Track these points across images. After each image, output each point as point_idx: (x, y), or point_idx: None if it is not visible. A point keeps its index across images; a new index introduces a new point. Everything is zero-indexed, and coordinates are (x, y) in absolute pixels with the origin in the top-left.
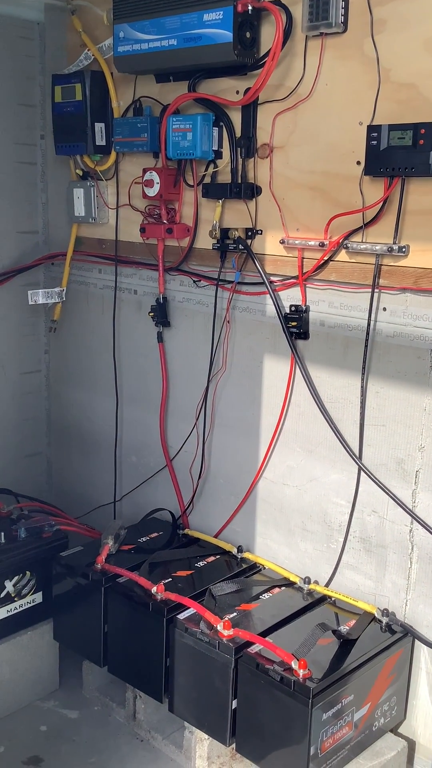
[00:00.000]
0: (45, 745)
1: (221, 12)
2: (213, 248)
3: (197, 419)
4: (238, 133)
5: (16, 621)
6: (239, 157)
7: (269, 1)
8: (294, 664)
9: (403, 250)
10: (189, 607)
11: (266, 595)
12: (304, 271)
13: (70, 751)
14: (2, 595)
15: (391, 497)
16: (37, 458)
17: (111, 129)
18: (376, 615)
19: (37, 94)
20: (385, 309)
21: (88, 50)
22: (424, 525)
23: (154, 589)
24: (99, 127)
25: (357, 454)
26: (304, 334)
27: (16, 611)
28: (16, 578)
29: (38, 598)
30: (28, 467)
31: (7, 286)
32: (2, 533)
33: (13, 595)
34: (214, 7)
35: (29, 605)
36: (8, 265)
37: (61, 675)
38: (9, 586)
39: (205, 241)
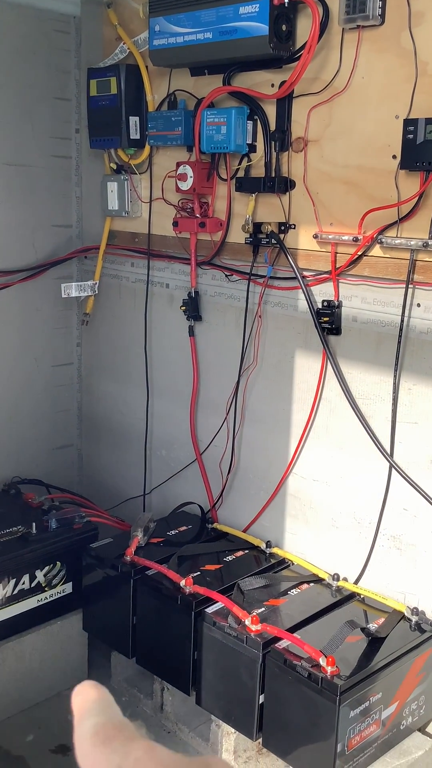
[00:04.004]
0: (73, 734)
1: (257, 5)
2: (245, 242)
3: (227, 414)
4: (273, 127)
5: (46, 611)
6: (273, 150)
7: None
8: (322, 661)
9: None
10: (217, 601)
11: (294, 591)
12: (337, 266)
13: None
14: (33, 584)
15: (422, 495)
16: (68, 450)
17: (145, 122)
18: (405, 613)
19: (73, 87)
20: (419, 305)
21: (124, 44)
22: None
23: (182, 583)
24: (133, 120)
25: (388, 451)
26: (337, 330)
27: (46, 601)
28: (46, 568)
29: (68, 588)
30: (60, 459)
31: (41, 279)
32: (34, 524)
33: (43, 585)
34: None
35: (59, 595)
36: (42, 258)
37: (89, 665)
38: (40, 575)
39: (237, 236)
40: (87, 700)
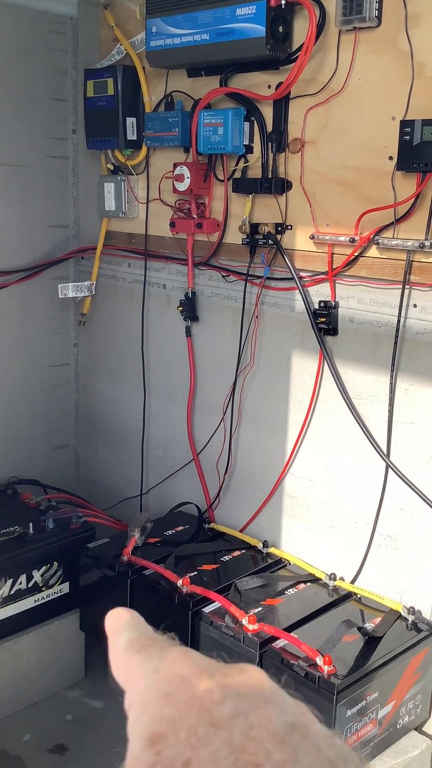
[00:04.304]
0: (70, 733)
1: (254, 6)
2: (242, 243)
3: (224, 414)
4: (270, 128)
5: (43, 611)
6: (270, 151)
7: None
8: (319, 660)
9: None
10: (214, 601)
11: (291, 591)
12: (333, 267)
13: (95, 740)
14: (30, 584)
15: (418, 495)
16: (65, 450)
17: (142, 123)
18: (401, 613)
19: (70, 88)
20: (415, 306)
21: (121, 45)
22: None
23: (179, 582)
24: (130, 121)
25: (385, 452)
26: (333, 330)
27: (43, 601)
28: (43, 568)
29: (65, 588)
30: (57, 459)
31: (38, 280)
32: (31, 524)
33: (40, 585)
34: (246, 1)
35: (56, 595)
36: (39, 258)
37: (86, 665)
38: (37, 576)
39: (234, 236)
40: (120, 620)
